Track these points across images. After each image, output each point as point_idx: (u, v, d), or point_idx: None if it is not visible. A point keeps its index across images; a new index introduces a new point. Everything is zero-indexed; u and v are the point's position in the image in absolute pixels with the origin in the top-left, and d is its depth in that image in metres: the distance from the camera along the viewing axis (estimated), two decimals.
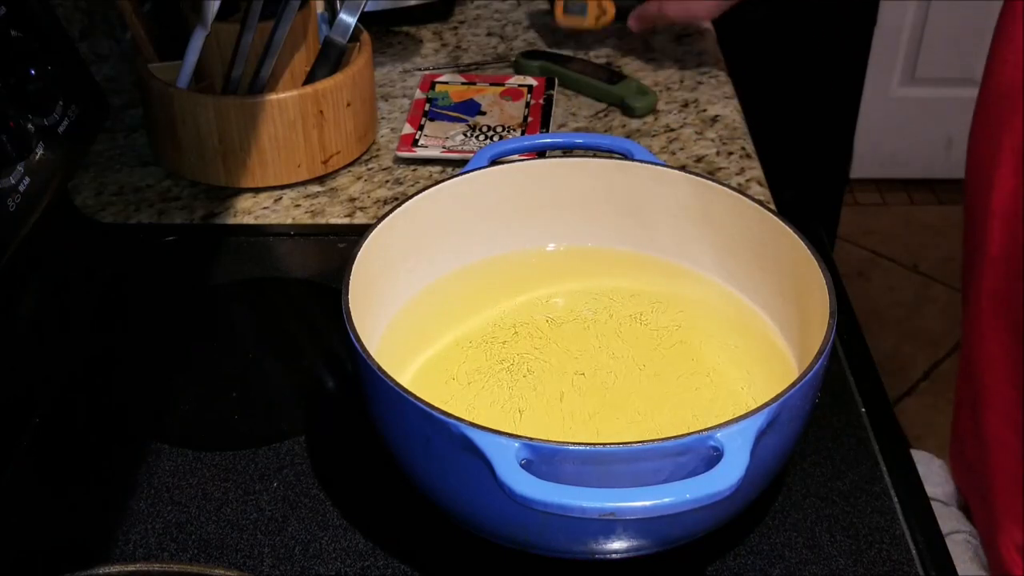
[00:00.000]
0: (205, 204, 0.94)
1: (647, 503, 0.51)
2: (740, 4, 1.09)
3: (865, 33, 2.08)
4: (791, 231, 0.69)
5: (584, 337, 0.74)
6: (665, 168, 0.76)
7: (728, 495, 0.52)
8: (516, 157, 0.83)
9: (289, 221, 0.93)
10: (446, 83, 1.09)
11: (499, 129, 1.02)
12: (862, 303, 2.24)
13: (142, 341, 0.81)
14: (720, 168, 0.99)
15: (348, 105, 0.95)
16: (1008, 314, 1.01)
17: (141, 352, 0.80)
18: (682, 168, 0.76)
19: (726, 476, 0.52)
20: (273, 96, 0.91)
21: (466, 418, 0.55)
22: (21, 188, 0.65)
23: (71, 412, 0.75)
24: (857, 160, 2.61)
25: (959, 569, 0.65)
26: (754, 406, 0.56)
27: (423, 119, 1.03)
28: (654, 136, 1.03)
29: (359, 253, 0.67)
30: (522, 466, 0.53)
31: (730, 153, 1.01)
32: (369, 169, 0.99)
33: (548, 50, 1.17)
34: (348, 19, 0.95)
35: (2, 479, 0.69)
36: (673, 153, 1.01)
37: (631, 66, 1.15)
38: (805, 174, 2.05)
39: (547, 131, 1.02)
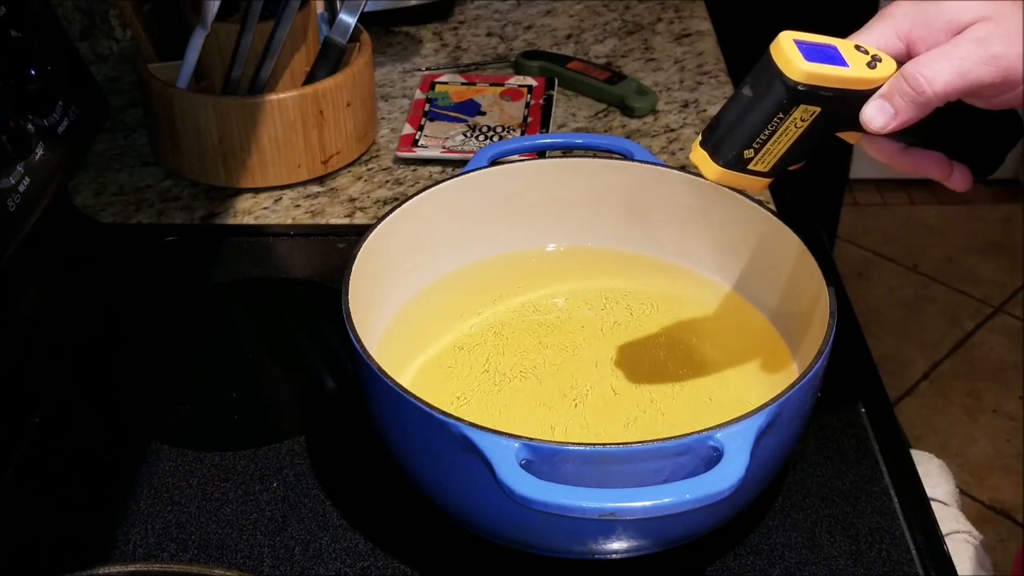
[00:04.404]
0: (205, 204, 0.94)
1: (647, 503, 0.51)
2: (739, 4, 1.09)
3: None
4: (791, 231, 0.69)
5: (583, 337, 0.74)
6: (665, 168, 0.76)
7: (728, 495, 0.52)
8: (516, 157, 0.83)
9: (289, 221, 0.93)
10: (446, 83, 1.09)
11: (499, 129, 1.02)
12: (862, 303, 2.24)
13: (142, 341, 0.81)
14: None
15: (348, 105, 0.95)
16: None
17: (141, 352, 0.80)
18: (682, 168, 0.76)
19: (726, 476, 0.52)
20: (273, 96, 0.91)
21: (466, 418, 0.55)
22: (21, 188, 0.65)
23: (71, 412, 0.75)
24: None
25: (959, 569, 0.65)
26: (754, 406, 0.56)
27: (423, 119, 1.03)
28: (654, 136, 1.03)
29: (359, 253, 0.67)
30: (522, 466, 0.53)
31: None
32: (369, 169, 0.99)
33: (548, 50, 1.17)
34: (348, 19, 0.95)
35: (2, 479, 0.69)
36: (673, 153, 1.01)
37: (631, 66, 1.15)
38: (804, 174, 2.04)
39: (547, 131, 1.02)
